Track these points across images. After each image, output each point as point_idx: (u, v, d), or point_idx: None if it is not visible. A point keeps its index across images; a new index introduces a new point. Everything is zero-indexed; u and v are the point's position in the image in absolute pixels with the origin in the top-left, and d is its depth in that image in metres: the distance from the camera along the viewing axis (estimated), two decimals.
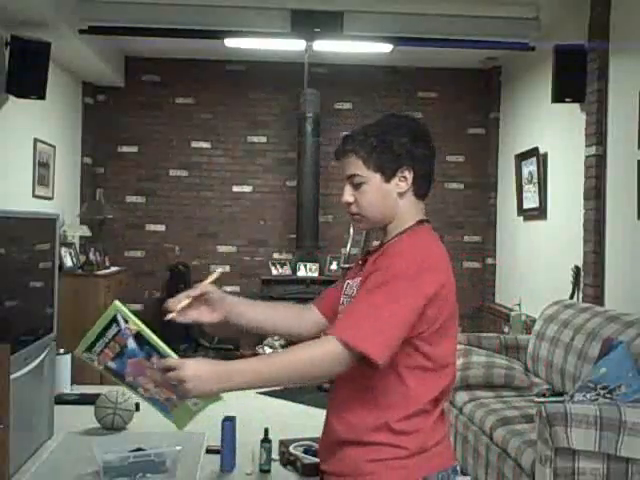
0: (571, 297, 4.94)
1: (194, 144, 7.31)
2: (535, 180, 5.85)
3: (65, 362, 5.49)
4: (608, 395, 3.16)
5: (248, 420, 4.59)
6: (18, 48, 4.91)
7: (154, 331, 1.57)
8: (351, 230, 6.69)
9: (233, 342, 6.81)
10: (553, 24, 5.52)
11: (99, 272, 6.16)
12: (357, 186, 1.69)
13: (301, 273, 6.99)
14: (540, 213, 5.82)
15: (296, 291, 6.80)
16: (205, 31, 5.76)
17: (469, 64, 7.11)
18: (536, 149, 5.84)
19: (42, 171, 5.91)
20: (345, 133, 1.77)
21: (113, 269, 6.54)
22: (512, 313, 5.98)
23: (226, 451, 3.96)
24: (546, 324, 4.35)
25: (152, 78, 7.28)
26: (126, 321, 1.55)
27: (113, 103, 7.25)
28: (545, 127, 5.86)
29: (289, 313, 1.90)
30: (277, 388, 5.82)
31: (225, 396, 1.58)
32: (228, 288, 7.27)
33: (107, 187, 7.15)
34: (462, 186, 7.36)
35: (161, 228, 7.28)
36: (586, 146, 4.82)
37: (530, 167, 5.97)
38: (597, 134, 4.69)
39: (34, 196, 5.74)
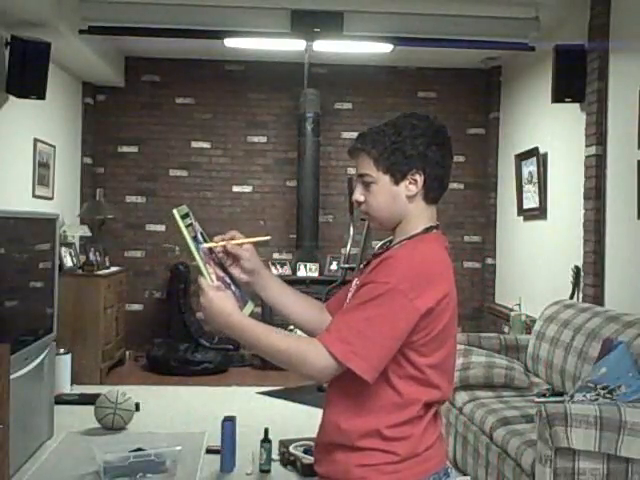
0: (571, 297, 4.94)
1: (194, 144, 7.31)
2: (535, 180, 5.85)
3: (65, 362, 5.49)
4: (608, 395, 3.16)
5: (248, 420, 4.60)
6: (18, 48, 4.91)
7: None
8: (351, 230, 6.69)
9: (233, 342, 6.82)
10: (553, 24, 5.52)
11: (99, 272, 6.16)
12: (367, 186, 1.67)
13: (301, 273, 6.99)
14: (540, 213, 5.82)
15: None
16: (205, 31, 5.76)
17: (469, 64, 7.11)
18: (536, 149, 5.84)
19: (42, 171, 5.92)
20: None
21: (113, 269, 6.54)
22: (512, 313, 5.98)
23: (226, 451, 3.96)
24: (546, 324, 4.35)
25: (152, 78, 7.29)
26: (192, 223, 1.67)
27: (113, 103, 7.25)
28: (545, 127, 5.86)
29: (312, 308, 1.86)
30: (277, 388, 5.83)
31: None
32: None
33: (107, 187, 7.15)
34: (462, 186, 7.37)
35: (161, 228, 7.28)
36: (586, 146, 4.82)
37: (530, 167, 5.97)
38: (597, 134, 4.69)
39: (34, 196, 5.74)
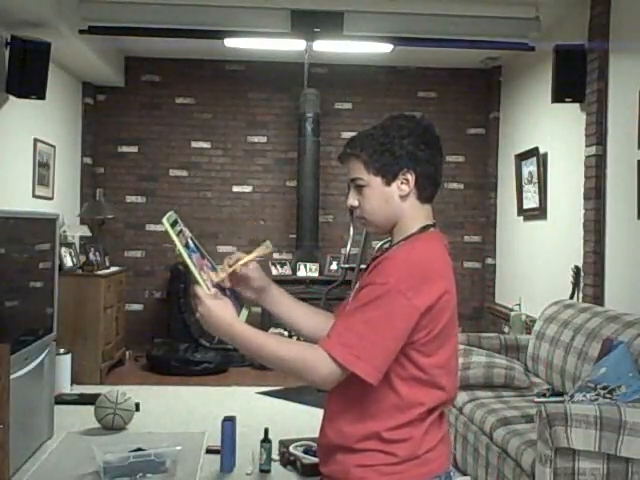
0: (571, 297, 4.94)
1: (194, 144, 7.31)
2: (535, 180, 5.85)
3: (65, 362, 5.49)
4: (608, 395, 3.16)
5: (248, 420, 4.60)
6: (18, 48, 4.91)
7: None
8: (351, 230, 6.69)
9: None
10: (553, 24, 5.52)
11: (99, 272, 6.15)
12: (360, 190, 1.68)
13: (301, 273, 6.99)
14: (540, 213, 5.82)
15: (296, 291, 6.75)
16: (205, 31, 5.76)
17: (469, 64, 7.11)
18: (536, 149, 5.84)
19: (42, 171, 5.92)
20: (345, 133, 1.76)
21: (113, 269, 6.54)
22: (512, 313, 5.98)
23: (226, 451, 3.96)
24: (546, 324, 4.35)
25: (152, 78, 7.29)
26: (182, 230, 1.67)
27: (113, 103, 7.25)
28: (545, 127, 5.86)
29: (321, 319, 1.83)
30: (277, 388, 5.83)
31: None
32: None
33: (107, 187, 7.15)
34: (462, 186, 7.37)
35: (161, 228, 7.26)
36: (586, 146, 4.82)
37: (530, 167, 5.97)
38: (597, 134, 4.69)
39: (34, 196, 5.74)
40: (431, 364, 1.58)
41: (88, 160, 7.15)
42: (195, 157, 7.32)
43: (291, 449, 4.04)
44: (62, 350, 5.42)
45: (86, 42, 5.68)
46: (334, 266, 7.06)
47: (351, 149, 1.68)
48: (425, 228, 1.67)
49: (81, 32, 5.47)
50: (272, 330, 6.61)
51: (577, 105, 5.06)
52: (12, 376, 3.43)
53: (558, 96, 5.05)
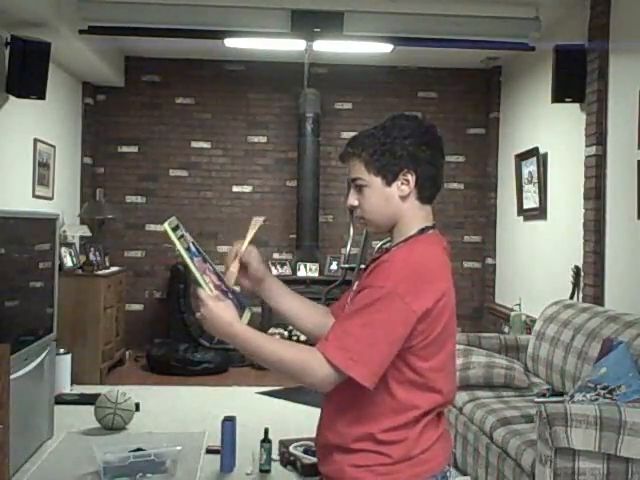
0: (571, 297, 4.94)
1: (194, 144, 7.31)
2: (535, 180, 5.85)
3: (65, 362, 5.49)
4: (608, 395, 3.16)
5: (248, 420, 4.59)
6: (18, 48, 4.90)
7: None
8: (351, 230, 6.69)
9: None
10: (553, 24, 5.52)
11: (99, 272, 6.16)
12: (360, 190, 1.67)
13: (301, 273, 6.99)
14: (540, 213, 5.82)
15: (296, 291, 6.74)
16: (205, 31, 5.76)
17: (469, 64, 7.11)
18: (536, 149, 5.84)
19: (42, 171, 5.91)
20: (345, 133, 1.76)
21: (113, 269, 6.54)
22: (512, 313, 5.98)
23: (226, 451, 3.96)
24: (546, 324, 4.35)
25: (152, 78, 7.29)
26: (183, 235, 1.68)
27: (113, 103, 7.25)
28: (545, 127, 5.85)
29: (318, 313, 1.86)
30: (277, 388, 5.83)
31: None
32: None
33: (107, 187, 7.15)
34: (462, 186, 7.37)
35: (161, 228, 7.26)
36: (586, 146, 4.82)
37: (530, 167, 5.97)
38: (597, 134, 4.69)
39: (34, 196, 5.74)
40: (428, 368, 1.58)
41: (88, 160, 7.15)
42: (195, 157, 7.32)
43: (291, 449, 4.04)
44: (62, 350, 5.42)
45: (86, 42, 5.68)
46: (334, 266, 7.06)
47: (352, 149, 1.68)
48: (424, 230, 1.66)
49: (81, 32, 5.47)
50: (272, 330, 6.62)
51: (577, 105, 5.06)
52: (12, 376, 3.42)
53: (558, 96, 5.05)
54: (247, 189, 7.35)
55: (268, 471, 3.95)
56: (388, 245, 1.73)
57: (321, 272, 7.02)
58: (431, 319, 1.55)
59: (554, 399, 3.59)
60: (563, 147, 5.44)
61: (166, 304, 7.08)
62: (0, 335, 3.54)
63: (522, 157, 6.15)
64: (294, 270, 7.01)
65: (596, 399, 3.16)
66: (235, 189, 7.34)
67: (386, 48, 5.93)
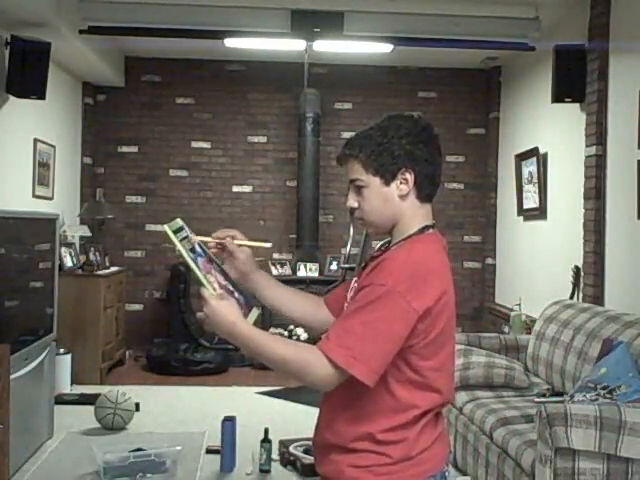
0: (571, 297, 4.94)
1: (194, 144, 7.31)
2: (535, 180, 5.85)
3: (65, 362, 5.49)
4: (608, 395, 3.16)
5: (248, 420, 4.60)
6: (18, 48, 4.90)
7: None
8: (351, 230, 6.69)
9: None
10: (553, 24, 5.52)
11: (99, 272, 6.15)
12: (359, 191, 1.68)
13: (301, 273, 6.99)
14: (540, 213, 5.82)
15: None
16: (205, 31, 5.76)
17: (469, 64, 7.11)
18: (536, 149, 5.84)
19: (42, 171, 5.91)
20: (345, 133, 1.77)
21: (113, 269, 6.54)
22: (512, 313, 5.98)
23: (226, 451, 3.96)
24: (546, 324, 4.35)
25: (152, 78, 7.29)
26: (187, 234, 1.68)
27: (113, 103, 7.25)
28: (545, 127, 5.86)
29: (308, 303, 1.89)
30: (277, 388, 5.83)
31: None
32: None
33: (107, 187, 7.15)
34: (462, 186, 7.37)
35: (161, 228, 7.27)
36: (586, 146, 4.82)
37: (530, 167, 5.97)
38: (597, 134, 4.69)
39: (34, 196, 5.74)
40: (428, 367, 1.59)
41: (88, 160, 7.15)
42: (195, 157, 7.32)
43: (291, 449, 4.04)
44: (62, 350, 5.42)
45: (86, 42, 5.68)
46: (334, 266, 7.06)
47: (349, 150, 1.68)
48: (424, 229, 1.66)
49: (81, 32, 5.47)
50: (272, 330, 6.62)
51: (577, 105, 5.06)
52: (12, 376, 3.43)
53: (558, 96, 5.05)
54: (247, 189, 7.35)
55: (268, 471, 3.95)
56: (387, 245, 1.73)
57: (321, 272, 7.02)
58: (432, 318, 1.55)
59: (554, 399, 3.59)
60: (563, 147, 5.45)
61: (166, 304, 7.08)
62: (0, 335, 3.54)
63: (522, 157, 6.15)
64: (294, 270, 7.02)
65: (596, 399, 3.16)
66: (235, 189, 7.34)
67: (386, 48, 5.92)
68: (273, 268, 7.03)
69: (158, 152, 7.28)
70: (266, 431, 3.98)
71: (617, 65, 4.61)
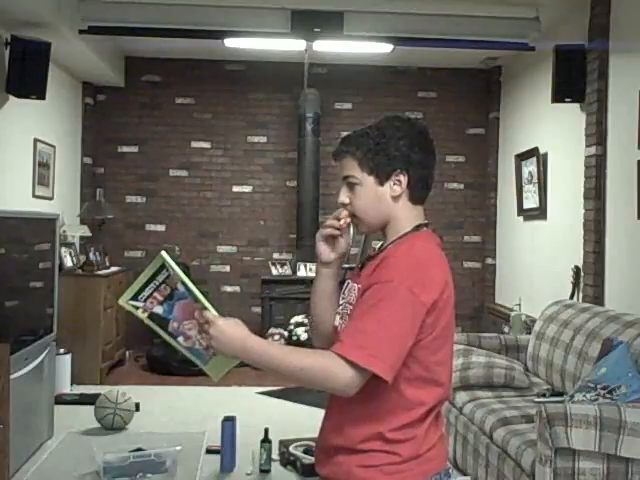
0: (571, 297, 4.94)
1: (194, 144, 7.31)
2: (535, 180, 5.85)
3: (65, 362, 5.49)
4: (608, 395, 3.16)
5: (248, 420, 4.59)
6: (18, 48, 4.91)
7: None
8: (351, 230, 6.68)
9: None
10: (553, 24, 5.52)
11: (99, 272, 6.16)
12: (352, 188, 1.70)
13: (301, 273, 6.98)
14: (540, 213, 5.82)
15: (296, 291, 6.80)
16: (205, 31, 5.76)
17: (469, 64, 7.11)
18: (536, 149, 5.84)
19: (42, 171, 5.91)
20: (345, 133, 1.76)
21: (113, 269, 6.54)
22: (512, 313, 5.98)
23: (226, 451, 3.96)
24: (546, 324, 4.35)
25: (152, 78, 7.29)
26: (173, 269, 1.62)
27: (113, 103, 7.25)
28: (545, 127, 5.86)
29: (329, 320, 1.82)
30: (277, 388, 5.82)
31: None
32: (228, 288, 7.29)
33: (107, 187, 7.15)
34: (462, 186, 7.36)
35: (161, 228, 7.29)
36: (586, 146, 4.82)
37: (530, 167, 5.97)
38: (597, 134, 4.69)
39: (34, 196, 5.74)
40: (435, 361, 1.60)
41: (88, 160, 7.15)
42: (195, 157, 7.32)
43: (291, 449, 4.04)
44: (62, 350, 5.42)
45: (86, 42, 5.68)
46: None
47: (346, 147, 1.70)
48: (419, 227, 1.69)
49: (81, 32, 5.47)
50: (272, 330, 6.63)
51: (577, 105, 5.06)
52: (12, 376, 3.43)
53: (558, 96, 5.05)
54: (247, 189, 7.35)
55: (268, 471, 3.95)
56: (381, 245, 1.74)
57: None
58: (438, 311, 1.57)
59: (554, 399, 3.59)
60: (563, 147, 5.45)
61: None
62: (0, 335, 3.54)
63: (522, 157, 6.15)
64: (294, 270, 7.01)
65: (596, 399, 3.16)
66: (235, 189, 7.34)
67: (386, 48, 5.93)
68: (273, 268, 7.03)
69: (158, 152, 7.28)
70: (266, 431, 3.98)
71: (617, 65, 4.61)
